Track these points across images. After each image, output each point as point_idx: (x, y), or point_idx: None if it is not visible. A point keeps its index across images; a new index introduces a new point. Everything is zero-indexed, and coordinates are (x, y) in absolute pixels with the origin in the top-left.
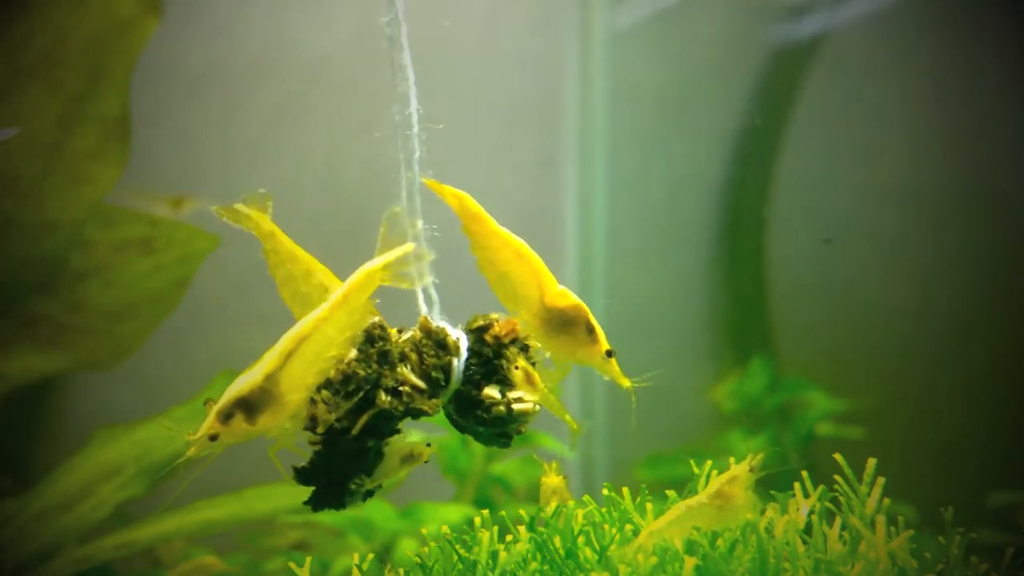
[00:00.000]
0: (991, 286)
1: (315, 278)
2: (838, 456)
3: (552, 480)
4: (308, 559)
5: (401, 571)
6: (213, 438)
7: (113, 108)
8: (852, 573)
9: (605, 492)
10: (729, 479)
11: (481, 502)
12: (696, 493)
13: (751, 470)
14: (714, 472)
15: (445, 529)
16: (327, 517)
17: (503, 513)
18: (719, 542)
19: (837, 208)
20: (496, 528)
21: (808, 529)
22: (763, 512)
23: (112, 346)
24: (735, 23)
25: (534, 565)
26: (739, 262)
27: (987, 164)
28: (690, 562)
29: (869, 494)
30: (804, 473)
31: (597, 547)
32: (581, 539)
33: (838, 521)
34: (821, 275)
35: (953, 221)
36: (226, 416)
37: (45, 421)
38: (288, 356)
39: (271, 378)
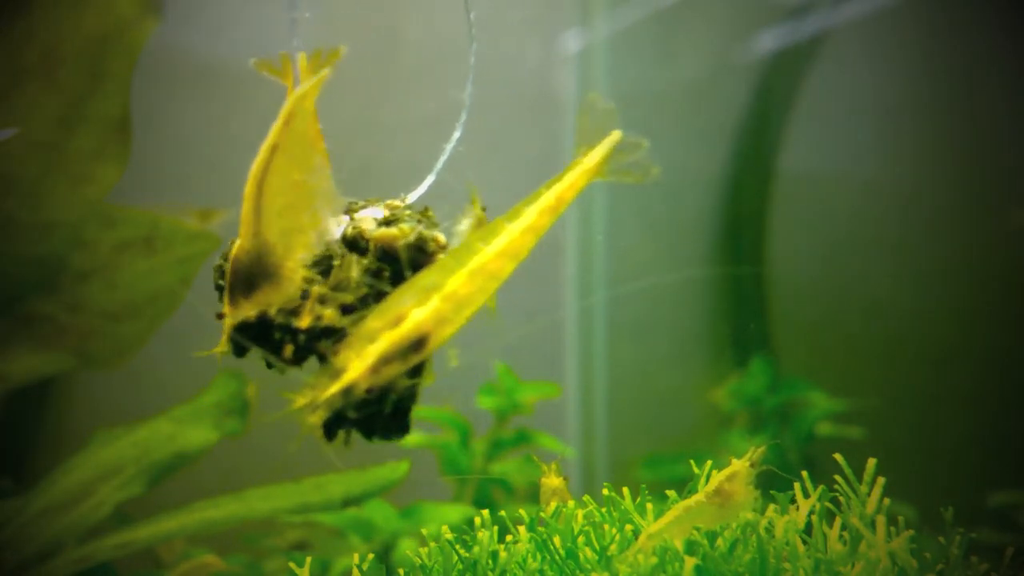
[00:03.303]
0: (992, 286)
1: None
2: (838, 456)
3: (552, 480)
4: (308, 559)
5: (401, 571)
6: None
7: (113, 108)
8: (852, 573)
9: (605, 492)
10: (729, 476)
11: (481, 502)
12: (696, 492)
13: (751, 465)
14: (714, 472)
15: (445, 529)
16: (327, 517)
17: (503, 513)
18: (719, 542)
19: (838, 208)
20: (496, 528)
21: (808, 529)
22: (763, 512)
23: (113, 346)
24: (735, 23)
25: (534, 565)
26: (739, 262)
27: (988, 164)
28: (690, 562)
29: (869, 494)
30: (804, 473)
31: (597, 547)
32: (581, 539)
33: (838, 521)
34: (822, 275)
35: (954, 221)
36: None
37: (45, 421)
38: (476, 273)
39: (451, 297)
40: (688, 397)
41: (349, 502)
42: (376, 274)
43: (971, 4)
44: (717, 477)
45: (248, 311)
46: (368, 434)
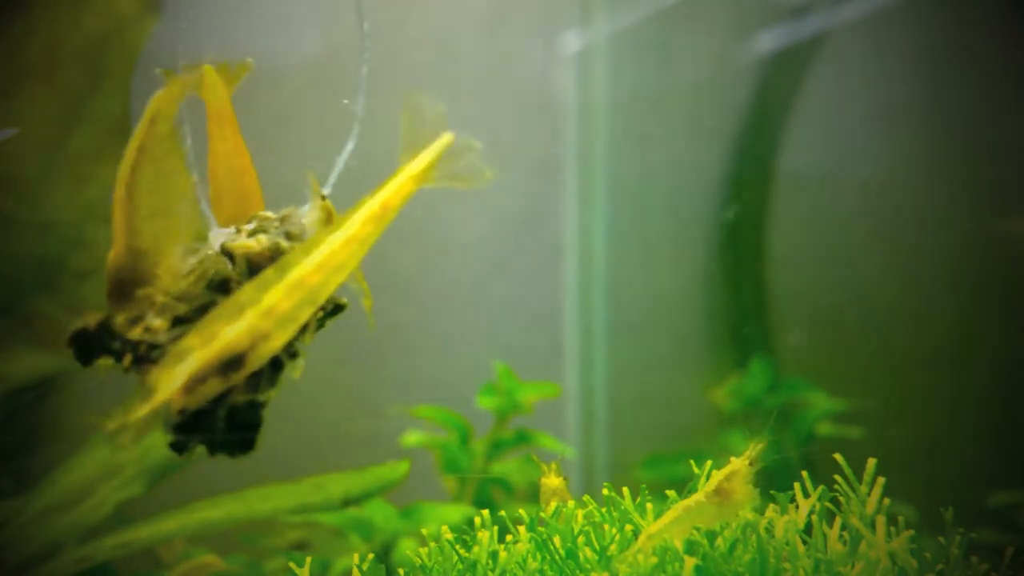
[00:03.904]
0: (992, 287)
1: (251, 188)
2: (838, 456)
3: (552, 481)
4: (308, 559)
5: (401, 572)
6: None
7: (113, 108)
8: (852, 573)
9: (605, 492)
10: (728, 474)
11: (481, 502)
12: (696, 492)
13: (751, 463)
14: (714, 472)
15: (445, 529)
16: (327, 517)
17: (503, 513)
18: (719, 541)
19: (838, 209)
20: (496, 528)
21: (808, 529)
22: (763, 512)
23: None
24: (735, 23)
25: (534, 565)
26: (740, 263)
27: (989, 164)
28: (690, 562)
29: (869, 494)
30: (804, 473)
31: (597, 547)
32: (581, 539)
33: (838, 521)
34: (822, 275)
35: (955, 221)
36: (200, 380)
37: (45, 421)
38: (296, 287)
39: (270, 313)
40: (688, 397)
41: (349, 502)
42: (220, 286)
43: (973, 4)
44: (716, 476)
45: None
46: (211, 449)
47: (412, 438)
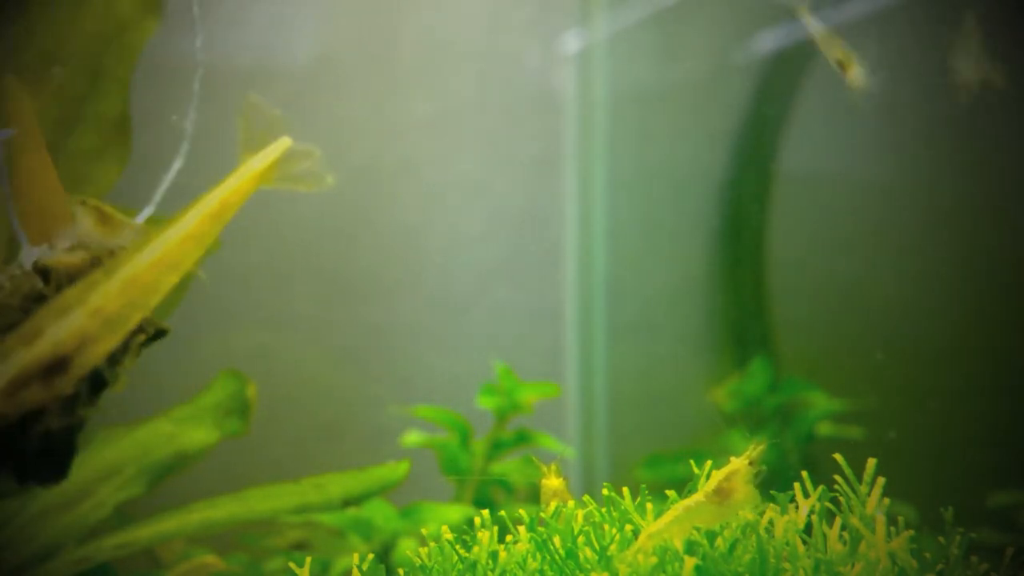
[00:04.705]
0: (992, 286)
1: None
2: (838, 456)
3: (552, 481)
4: (308, 559)
5: (401, 572)
6: None
7: (113, 108)
8: (852, 573)
9: (605, 492)
10: (728, 474)
11: (481, 502)
12: (696, 492)
13: (751, 463)
14: (714, 471)
15: (445, 529)
16: (327, 517)
17: (503, 513)
18: (719, 541)
19: (838, 208)
20: (496, 528)
21: (808, 529)
22: (763, 512)
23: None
24: (735, 23)
25: (534, 565)
26: (740, 262)
27: (991, 163)
28: (690, 562)
29: (869, 494)
30: (804, 473)
31: (597, 547)
32: (581, 539)
33: (838, 521)
34: (822, 275)
35: (956, 221)
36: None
37: None
38: (127, 286)
39: (98, 314)
40: (688, 397)
41: (349, 502)
42: (38, 298)
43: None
44: (716, 476)
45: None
46: (20, 477)
47: (412, 438)
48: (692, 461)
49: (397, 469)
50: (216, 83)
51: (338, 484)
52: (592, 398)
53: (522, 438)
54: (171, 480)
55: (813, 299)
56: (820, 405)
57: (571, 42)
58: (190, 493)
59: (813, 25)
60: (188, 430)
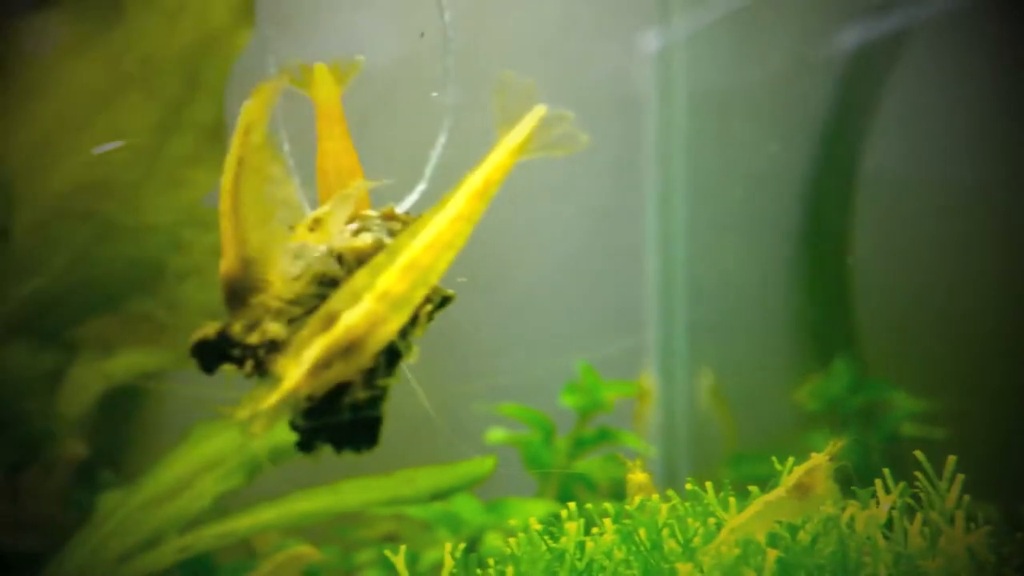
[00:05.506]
0: None
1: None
2: (918, 453)
3: (638, 476)
4: (403, 547)
5: (491, 561)
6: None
7: (208, 115)
8: (931, 566)
9: (688, 487)
10: (808, 470)
11: (565, 499)
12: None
13: (831, 459)
14: (795, 468)
15: (532, 520)
16: (416, 510)
17: (589, 506)
18: (800, 535)
19: (922, 208)
20: (582, 521)
21: (889, 525)
22: (844, 508)
23: None
24: (817, 18)
25: (620, 555)
26: (821, 262)
27: None
28: (772, 554)
29: (948, 490)
30: (886, 471)
31: (681, 539)
32: (665, 532)
33: (919, 517)
34: (904, 275)
35: None
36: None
37: (145, 417)
38: (408, 269)
39: (385, 297)
40: (770, 397)
41: (437, 496)
42: (331, 286)
43: None
44: (797, 471)
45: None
46: (337, 446)
47: (497, 435)
48: (774, 458)
49: (484, 464)
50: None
51: (427, 478)
52: (673, 397)
53: (604, 436)
54: (268, 472)
55: (895, 300)
56: (903, 405)
57: (650, 41)
58: (286, 485)
59: None
60: (284, 424)
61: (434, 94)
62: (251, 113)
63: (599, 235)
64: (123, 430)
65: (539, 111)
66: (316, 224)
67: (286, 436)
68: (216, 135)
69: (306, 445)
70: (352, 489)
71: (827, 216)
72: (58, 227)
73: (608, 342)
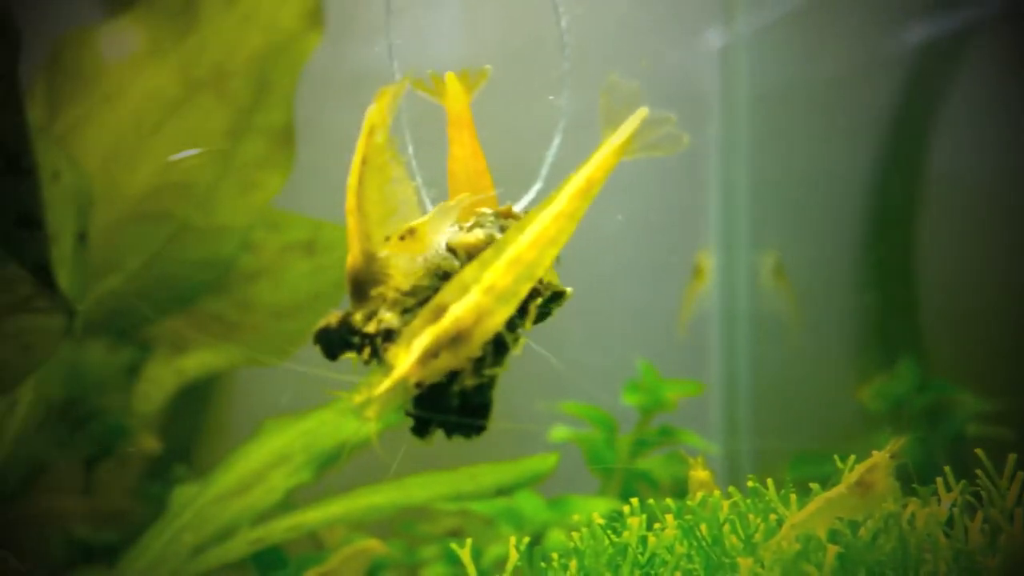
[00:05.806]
0: None
1: (486, 190)
2: (979, 451)
3: (700, 473)
4: (469, 541)
5: (555, 555)
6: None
7: (278, 118)
8: (991, 564)
9: (750, 484)
10: (870, 467)
11: (626, 496)
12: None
13: (892, 457)
14: (856, 465)
15: (595, 516)
16: (480, 506)
17: (651, 501)
18: (861, 532)
19: (987, 206)
20: (644, 517)
21: (950, 523)
22: (905, 506)
23: (278, 342)
24: (883, 14)
25: (681, 550)
26: (887, 261)
27: None
28: (832, 550)
29: (1009, 488)
30: (947, 469)
31: (743, 535)
32: (727, 527)
33: (979, 515)
34: (969, 275)
35: None
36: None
37: (216, 413)
38: (513, 264)
39: (491, 290)
40: (833, 396)
41: (500, 492)
42: (446, 277)
43: None
44: (858, 468)
45: (359, 319)
46: (448, 431)
47: (559, 433)
48: (836, 457)
49: (546, 461)
50: (371, 90)
51: (491, 474)
52: (736, 396)
53: (666, 434)
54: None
55: (961, 300)
56: (968, 406)
57: (714, 39)
58: (354, 480)
59: None
60: (351, 420)
61: (551, 97)
62: (375, 116)
63: (662, 233)
64: (195, 426)
65: (642, 112)
66: (410, 234)
67: (353, 432)
68: (286, 138)
69: (420, 430)
70: (417, 485)
71: (892, 215)
72: (133, 229)
73: (671, 341)
